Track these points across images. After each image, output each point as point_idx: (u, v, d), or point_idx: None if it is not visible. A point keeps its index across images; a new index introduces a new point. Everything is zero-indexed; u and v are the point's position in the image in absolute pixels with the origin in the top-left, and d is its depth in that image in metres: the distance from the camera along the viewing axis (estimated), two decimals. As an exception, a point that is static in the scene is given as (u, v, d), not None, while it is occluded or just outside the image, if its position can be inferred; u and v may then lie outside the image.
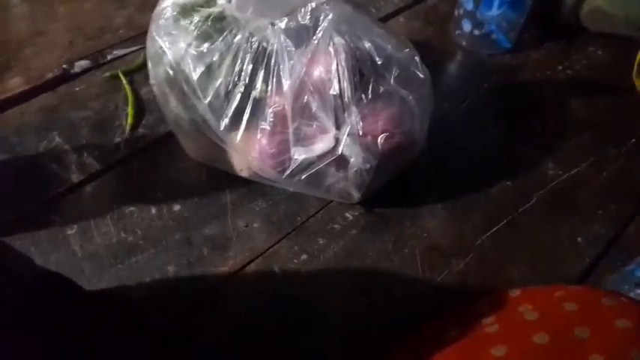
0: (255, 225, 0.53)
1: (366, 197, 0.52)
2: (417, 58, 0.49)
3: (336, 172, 0.49)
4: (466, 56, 0.73)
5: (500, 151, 0.60)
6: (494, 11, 0.67)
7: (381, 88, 0.48)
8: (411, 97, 0.48)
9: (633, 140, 0.62)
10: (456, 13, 0.72)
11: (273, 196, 0.55)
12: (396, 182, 0.53)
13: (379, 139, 0.48)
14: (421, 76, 0.49)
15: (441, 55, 0.73)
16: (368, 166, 0.48)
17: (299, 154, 0.47)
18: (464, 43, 0.73)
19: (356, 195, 0.51)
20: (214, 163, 0.54)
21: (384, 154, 0.48)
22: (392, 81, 0.48)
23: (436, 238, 0.52)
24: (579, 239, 0.52)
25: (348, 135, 0.47)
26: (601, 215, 0.55)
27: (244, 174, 0.53)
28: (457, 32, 0.73)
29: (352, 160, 0.48)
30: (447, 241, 0.52)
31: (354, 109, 0.47)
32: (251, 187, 0.55)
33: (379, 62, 0.47)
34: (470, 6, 0.69)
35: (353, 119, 0.47)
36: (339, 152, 0.47)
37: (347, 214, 0.54)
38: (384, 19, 0.77)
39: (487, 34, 0.70)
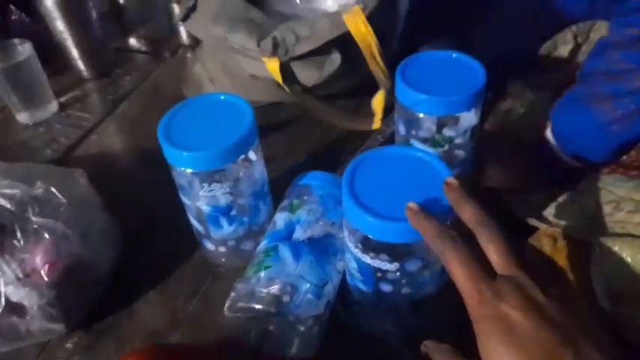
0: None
1: (77, 321, 0.54)
2: (52, 189, 0.54)
3: (21, 318, 0.51)
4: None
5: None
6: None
7: (27, 228, 0.51)
8: (59, 224, 0.52)
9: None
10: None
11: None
12: (105, 288, 0.57)
13: (42, 272, 0.51)
14: (63, 200, 0.54)
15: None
16: (45, 300, 0.50)
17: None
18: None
19: (59, 327, 0.53)
20: None
21: (56, 283, 0.51)
22: (35, 217, 0.52)
23: (153, 323, 0.56)
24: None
25: (8, 284, 0.49)
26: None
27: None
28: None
29: (26, 302, 0.50)
30: (164, 321, 0.56)
31: (6, 257, 0.49)
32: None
33: (13, 209, 0.51)
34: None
35: (7, 267, 0.49)
36: (9, 301, 0.49)
37: (67, 345, 0.55)
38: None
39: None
